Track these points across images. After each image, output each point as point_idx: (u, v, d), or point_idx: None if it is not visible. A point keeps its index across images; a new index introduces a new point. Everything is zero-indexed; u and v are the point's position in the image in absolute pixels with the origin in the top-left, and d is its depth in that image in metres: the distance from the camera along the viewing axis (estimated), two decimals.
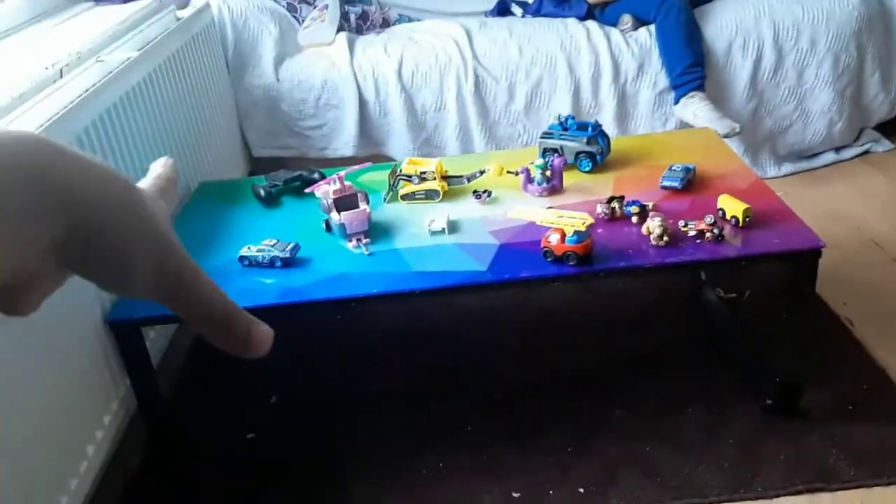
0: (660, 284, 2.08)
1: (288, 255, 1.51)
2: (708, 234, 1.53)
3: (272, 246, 1.53)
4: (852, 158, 2.74)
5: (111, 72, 1.71)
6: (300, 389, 1.84)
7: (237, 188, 1.97)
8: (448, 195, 1.80)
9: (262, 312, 0.38)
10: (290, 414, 1.77)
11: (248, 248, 1.55)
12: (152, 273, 0.35)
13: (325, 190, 1.62)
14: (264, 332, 0.37)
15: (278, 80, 2.60)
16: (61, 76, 1.67)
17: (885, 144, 2.77)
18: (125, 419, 1.59)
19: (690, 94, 2.52)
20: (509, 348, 1.93)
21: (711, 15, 2.61)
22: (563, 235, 1.47)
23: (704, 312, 2.00)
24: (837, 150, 2.74)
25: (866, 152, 2.76)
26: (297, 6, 2.89)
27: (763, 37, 2.56)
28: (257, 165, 2.67)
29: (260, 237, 1.61)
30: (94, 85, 1.62)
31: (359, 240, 1.59)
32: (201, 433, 1.75)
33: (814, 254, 1.52)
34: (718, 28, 2.57)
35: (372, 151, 2.64)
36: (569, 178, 1.82)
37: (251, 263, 1.53)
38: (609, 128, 2.56)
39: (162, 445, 1.68)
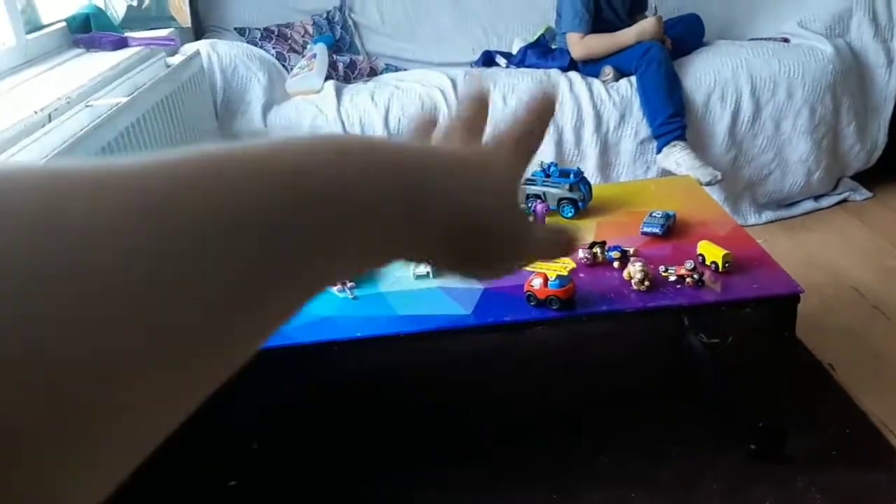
0: (643, 329, 2.09)
1: None
2: (688, 279, 1.55)
3: None
4: (831, 207, 2.79)
5: (99, 116, 1.73)
6: (282, 434, 1.82)
7: None
8: None
9: None
10: (272, 460, 1.75)
11: None
12: (511, 249, 0.35)
13: None
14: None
15: (266, 126, 2.63)
16: (49, 121, 1.69)
17: (862, 193, 2.83)
18: None
19: (672, 143, 2.57)
20: (493, 393, 1.93)
21: (690, 67, 2.68)
22: (546, 280, 1.49)
23: (687, 357, 2.01)
24: (816, 198, 2.80)
25: (844, 201, 2.81)
26: (286, 55, 2.94)
27: (741, 88, 2.62)
28: None
29: None
30: (82, 129, 1.63)
31: (344, 283, 1.59)
32: (180, 482, 1.72)
33: (792, 299, 1.54)
34: (697, 80, 2.64)
35: None
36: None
37: None
38: (592, 175, 2.60)
39: (137, 499, 1.65)
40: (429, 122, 0.39)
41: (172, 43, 2.57)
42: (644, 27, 2.67)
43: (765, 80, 2.63)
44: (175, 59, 2.41)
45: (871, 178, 2.86)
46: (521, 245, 0.35)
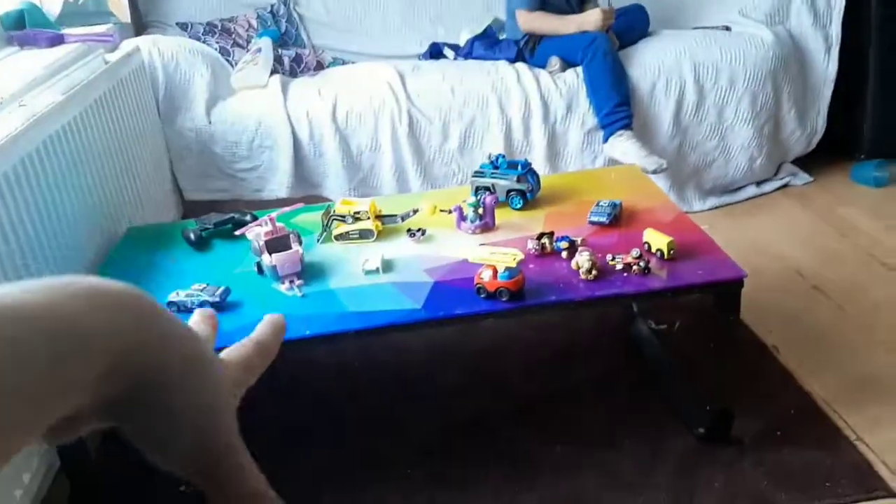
0: (593, 317, 2.12)
1: (217, 299, 1.49)
2: (634, 267, 1.57)
3: (201, 290, 1.51)
4: (773, 192, 2.85)
5: (34, 116, 1.67)
6: None
7: (167, 232, 1.93)
8: (382, 234, 1.80)
9: None
10: None
11: (177, 293, 1.52)
12: (194, 448, 0.35)
13: (257, 232, 1.61)
14: None
15: (211, 122, 2.58)
16: None
17: (803, 178, 2.90)
18: (47, 477, 1.52)
19: (618, 132, 2.60)
20: (447, 386, 1.93)
21: (635, 57, 2.71)
22: (496, 272, 1.49)
23: (637, 344, 2.03)
24: (759, 183, 2.86)
25: (786, 185, 2.88)
26: (230, 49, 2.89)
27: (684, 77, 2.66)
28: (191, 209, 2.63)
29: (190, 282, 1.58)
30: (15, 129, 1.58)
31: (291, 281, 1.57)
32: (130, 489, 1.68)
33: (736, 284, 1.57)
34: (643, 69, 2.67)
35: (308, 193, 2.64)
36: (500, 216, 1.85)
37: (180, 309, 1.50)
38: (540, 166, 2.61)
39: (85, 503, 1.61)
40: (209, 317, 0.45)
41: (111, 39, 2.50)
42: (588, 18, 2.69)
43: (707, 68, 2.68)
44: (114, 56, 2.35)
45: (812, 162, 2.93)
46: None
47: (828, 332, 2.04)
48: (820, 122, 2.85)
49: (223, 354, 0.41)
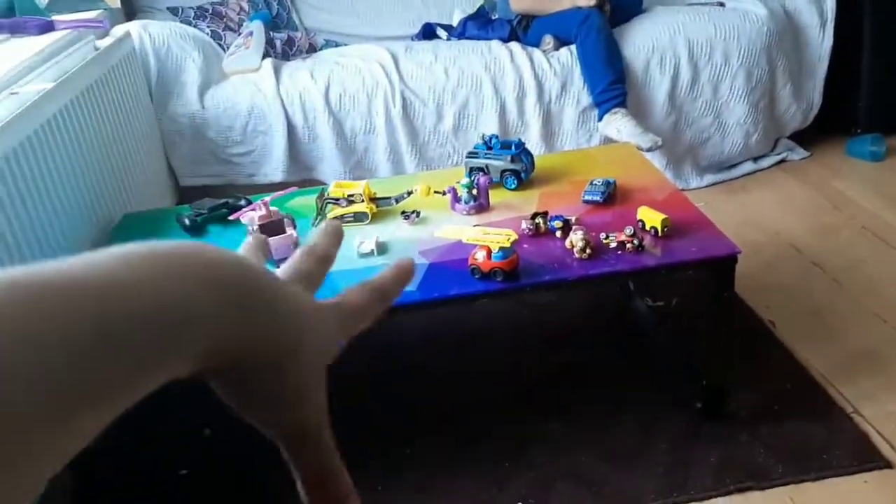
0: (590, 296, 2.12)
1: None
2: (628, 245, 1.57)
3: None
4: (770, 167, 2.85)
5: (25, 103, 1.67)
6: (234, 421, 1.80)
7: (162, 219, 1.93)
8: (377, 217, 1.80)
9: None
10: (224, 447, 1.74)
11: None
12: (292, 422, 0.35)
13: (251, 216, 1.61)
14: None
15: (204, 107, 2.57)
16: None
17: (799, 153, 2.90)
18: None
19: (613, 110, 2.59)
20: (443, 366, 1.94)
21: (629, 34, 2.69)
22: (490, 252, 1.49)
23: (634, 321, 2.04)
24: (755, 159, 2.85)
25: (783, 161, 2.88)
26: (222, 33, 2.87)
27: (679, 54, 2.65)
28: (186, 195, 2.63)
29: None
30: (6, 117, 1.58)
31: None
32: (132, 474, 1.69)
33: (730, 259, 1.57)
34: (636, 46, 2.66)
35: (303, 176, 2.63)
36: (495, 196, 1.85)
37: None
38: (535, 145, 2.61)
39: (90, 493, 1.62)
40: (263, 244, 0.42)
41: (101, 25, 2.48)
42: None
43: (702, 44, 2.66)
44: (104, 42, 2.33)
45: (808, 137, 2.92)
46: (307, 399, 0.35)
47: (824, 306, 2.05)
48: (816, 97, 2.84)
49: (337, 298, 0.37)
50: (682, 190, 2.69)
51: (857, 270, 2.18)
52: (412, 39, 3.01)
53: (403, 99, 2.59)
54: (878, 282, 2.12)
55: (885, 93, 2.84)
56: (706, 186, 2.76)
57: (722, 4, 2.85)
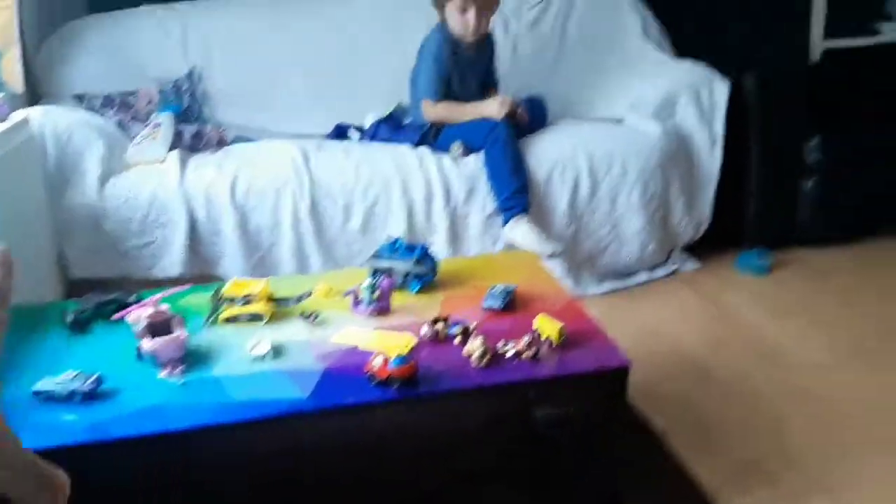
0: (490, 403, 2.10)
1: (89, 387, 1.41)
2: (525, 354, 1.58)
3: (72, 378, 1.42)
4: (664, 277, 2.97)
5: None
6: None
7: (46, 313, 1.83)
8: (275, 317, 1.76)
9: (58, 454, 0.35)
10: None
11: (47, 380, 1.43)
12: None
13: (137, 315, 1.54)
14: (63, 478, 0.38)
15: (103, 198, 2.50)
16: None
17: (692, 264, 3.04)
18: None
19: (517, 217, 2.66)
20: (338, 478, 1.86)
21: (534, 146, 2.81)
22: (387, 359, 1.48)
23: (532, 428, 2.03)
24: (651, 269, 2.97)
25: (677, 271, 3.00)
26: (128, 124, 2.83)
27: (580, 166, 2.77)
28: (77, 287, 2.51)
29: (64, 368, 1.49)
30: None
31: (172, 368, 1.51)
32: None
33: (622, 371, 1.60)
34: (540, 158, 2.77)
35: (203, 271, 2.57)
36: (397, 300, 1.85)
37: (49, 398, 1.41)
38: (442, 248, 2.64)
39: None
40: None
41: (1, 110, 2.41)
42: (488, 106, 2.79)
43: (601, 158, 2.80)
44: (1, 127, 2.26)
45: (701, 249, 3.07)
46: None
47: (714, 417, 2.10)
48: (707, 211, 3.00)
49: None
50: (582, 296, 2.77)
51: (745, 383, 2.26)
52: (325, 139, 3.04)
53: (312, 196, 2.60)
54: (763, 394, 2.20)
55: (769, 210, 3.05)
56: (604, 294, 2.85)
57: (620, 121, 3.02)
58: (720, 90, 2.94)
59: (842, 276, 2.91)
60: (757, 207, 3.06)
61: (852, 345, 2.44)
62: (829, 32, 3.76)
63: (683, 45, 3.34)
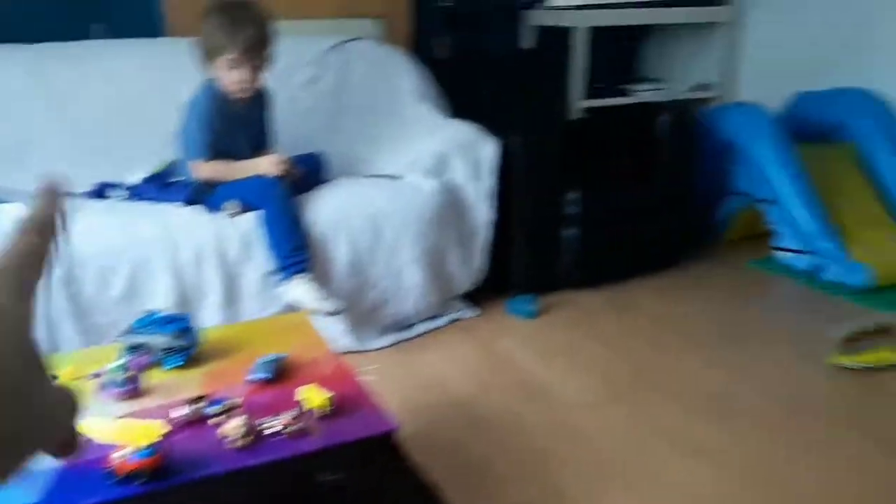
0: (253, 484, 2.03)
1: None
2: (289, 429, 1.54)
3: None
4: (445, 325, 3.06)
5: None
6: None
7: None
8: None
9: None
10: None
11: None
12: None
13: None
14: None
15: None
16: None
17: (470, 312, 3.16)
18: None
19: (296, 276, 2.62)
20: None
21: (312, 202, 2.79)
22: (132, 450, 1.37)
23: (310, 496, 1.99)
24: (432, 318, 3.05)
25: (457, 319, 3.11)
26: None
27: (359, 222, 2.79)
28: None
29: None
30: None
31: None
32: None
33: (389, 434, 1.61)
34: (318, 214, 2.76)
35: None
36: (154, 378, 1.74)
37: None
38: (216, 313, 2.54)
39: None
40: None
41: None
42: (262, 164, 2.74)
43: (379, 213, 2.84)
44: None
45: (479, 297, 3.21)
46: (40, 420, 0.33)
47: (487, 462, 2.18)
48: (481, 261, 3.15)
49: None
50: (364, 351, 2.78)
51: (515, 425, 2.37)
52: (84, 198, 2.83)
53: (67, 262, 2.39)
54: (534, 435, 2.32)
55: (533, 259, 3.28)
56: (387, 346, 2.88)
57: (398, 178, 3.09)
58: (488, 149, 3.11)
59: (598, 318, 3.17)
60: (523, 256, 3.27)
61: (609, 383, 2.64)
62: (590, 94, 4.15)
63: (459, 107, 3.52)
